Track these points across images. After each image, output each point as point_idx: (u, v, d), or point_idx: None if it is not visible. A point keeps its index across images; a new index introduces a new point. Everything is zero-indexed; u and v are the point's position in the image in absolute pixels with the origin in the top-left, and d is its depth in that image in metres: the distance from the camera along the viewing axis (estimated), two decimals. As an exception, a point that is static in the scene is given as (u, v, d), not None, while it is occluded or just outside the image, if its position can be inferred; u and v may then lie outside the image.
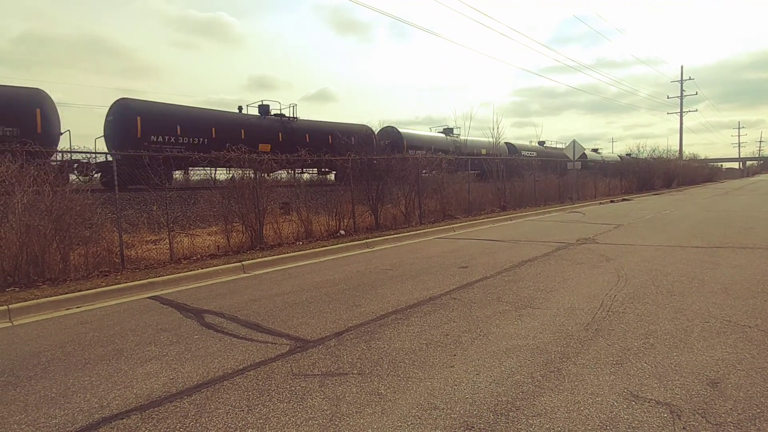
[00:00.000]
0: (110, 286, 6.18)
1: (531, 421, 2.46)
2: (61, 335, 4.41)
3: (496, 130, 22.97)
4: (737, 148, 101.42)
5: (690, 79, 51.80)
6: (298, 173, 18.88)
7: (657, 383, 2.83)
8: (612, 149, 61.08)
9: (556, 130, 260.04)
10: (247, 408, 2.75)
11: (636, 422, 2.41)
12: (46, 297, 5.64)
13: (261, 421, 2.59)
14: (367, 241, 9.83)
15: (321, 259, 8.28)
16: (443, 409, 2.64)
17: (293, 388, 2.98)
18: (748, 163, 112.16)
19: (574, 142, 21.64)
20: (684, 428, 2.34)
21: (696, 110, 70.62)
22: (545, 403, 2.66)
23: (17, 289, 6.04)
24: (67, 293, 5.79)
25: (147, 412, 2.76)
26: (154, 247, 8.73)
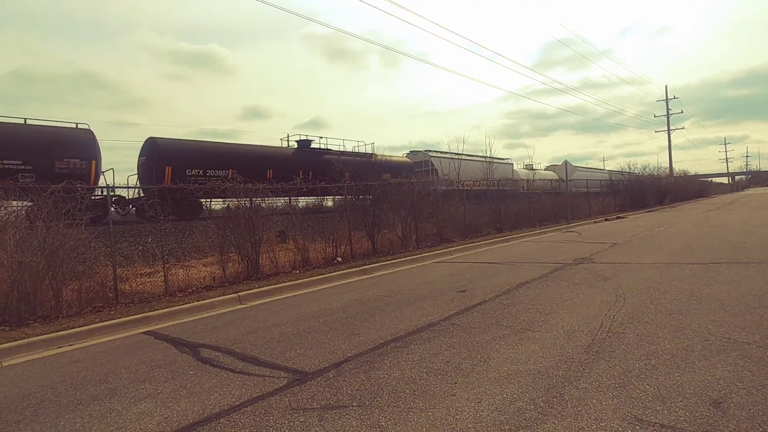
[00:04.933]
0: (104, 322, 6.08)
1: (535, 451, 2.41)
2: (52, 375, 4.31)
3: (489, 152, 23.47)
4: (725, 163, 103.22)
5: (675, 98, 52.82)
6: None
7: (660, 406, 2.80)
8: (603, 167, 62.36)
9: (549, 151, 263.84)
10: (244, 446, 2.67)
11: (642, 448, 2.37)
12: (37, 336, 5.53)
13: (259, 459, 2.52)
14: (365, 267, 9.79)
15: (318, 288, 8.21)
16: (445, 440, 2.58)
17: (292, 424, 2.91)
18: (737, 177, 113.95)
19: (566, 162, 21.96)
20: (691, 452, 2.30)
21: (683, 128, 71.43)
22: (549, 430, 2.60)
23: (7, 328, 5.93)
24: (59, 331, 5.68)
25: (141, 454, 2.67)
26: (148, 280, 8.64)
